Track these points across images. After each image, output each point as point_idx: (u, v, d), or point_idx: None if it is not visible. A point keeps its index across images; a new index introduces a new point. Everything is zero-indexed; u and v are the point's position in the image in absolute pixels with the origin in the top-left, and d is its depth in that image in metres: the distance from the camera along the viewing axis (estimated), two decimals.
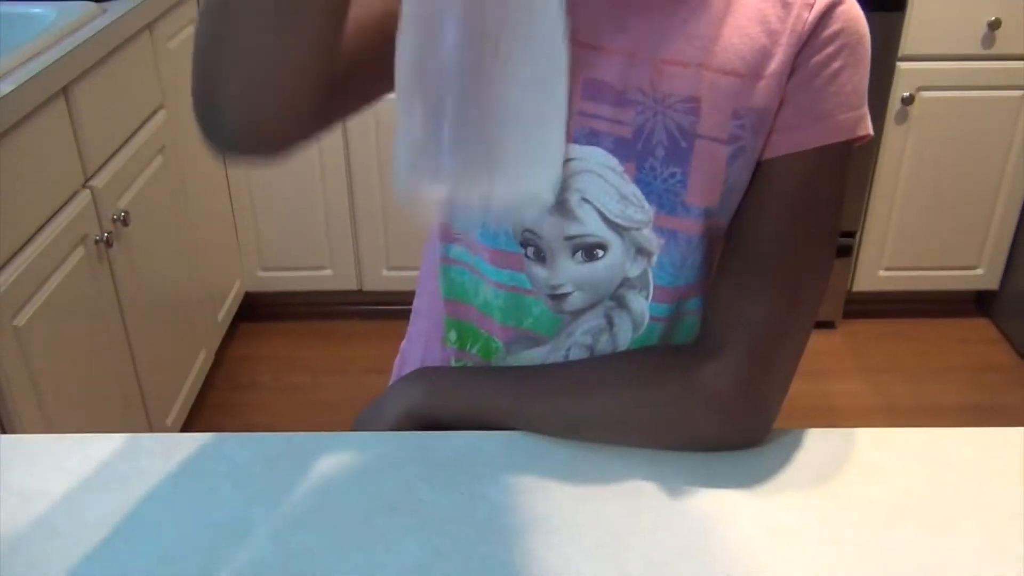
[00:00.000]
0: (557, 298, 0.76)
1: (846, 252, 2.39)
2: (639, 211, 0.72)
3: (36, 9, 1.65)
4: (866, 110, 0.70)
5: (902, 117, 2.24)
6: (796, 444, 0.73)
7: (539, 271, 0.75)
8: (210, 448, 0.70)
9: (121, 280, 1.65)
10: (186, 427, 1.98)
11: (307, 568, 0.60)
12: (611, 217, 0.72)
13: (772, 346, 0.71)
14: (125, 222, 1.64)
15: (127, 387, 1.70)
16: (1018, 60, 2.16)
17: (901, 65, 2.19)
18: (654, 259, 0.74)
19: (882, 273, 2.44)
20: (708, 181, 0.70)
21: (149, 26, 1.79)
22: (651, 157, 0.70)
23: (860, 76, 0.70)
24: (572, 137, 0.71)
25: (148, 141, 1.78)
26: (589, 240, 0.74)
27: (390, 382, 0.88)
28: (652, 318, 0.77)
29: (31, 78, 1.35)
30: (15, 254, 1.34)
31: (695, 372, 0.71)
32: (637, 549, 0.62)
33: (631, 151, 0.71)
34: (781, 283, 0.71)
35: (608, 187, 0.71)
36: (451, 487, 0.67)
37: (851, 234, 2.37)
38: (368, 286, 2.41)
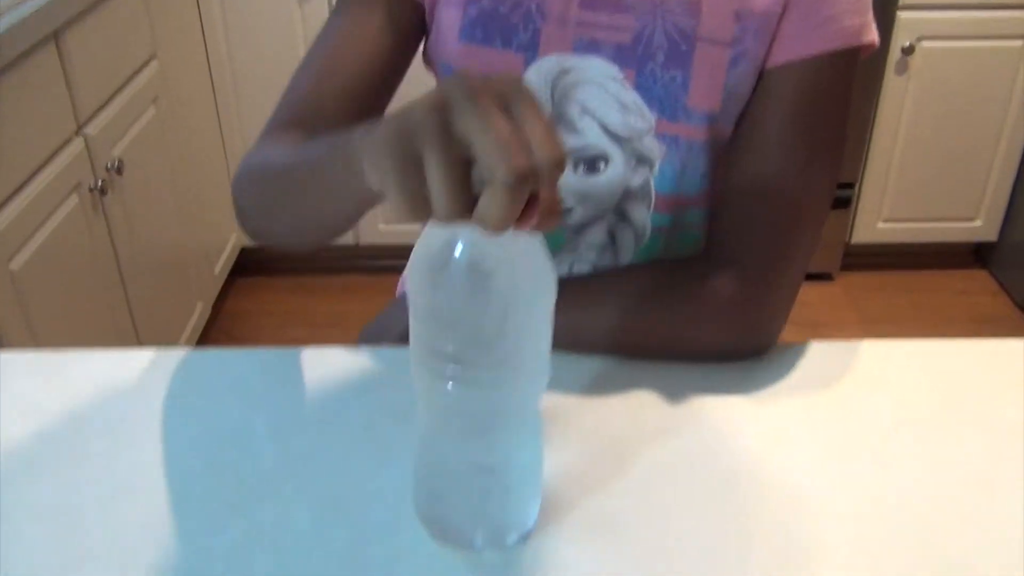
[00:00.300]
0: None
1: (844, 204, 2.38)
2: (640, 119, 0.71)
3: None
4: (871, 18, 0.69)
5: (902, 67, 2.23)
6: (800, 356, 0.72)
7: None
8: (212, 362, 0.70)
9: (116, 229, 1.64)
10: None
11: (309, 472, 0.60)
12: (612, 128, 0.71)
13: (779, 255, 0.70)
14: (119, 171, 1.63)
15: (124, 338, 1.69)
16: (1019, 9, 2.14)
17: (901, 15, 2.16)
18: (656, 167, 0.73)
19: (881, 225, 2.43)
20: (709, 85, 0.69)
21: None
22: (651, 61, 0.69)
23: None
24: (571, 47, 0.70)
25: (141, 91, 1.76)
26: (590, 152, 0.73)
27: (396, 295, 0.88)
28: (654, 229, 0.76)
29: (20, 20, 1.33)
30: (9, 199, 1.32)
31: (704, 282, 0.70)
32: (641, 455, 0.62)
33: (631, 57, 0.70)
34: (786, 194, 0.70)
35: (608, 97, 0.70)
36: None
37: (850, 185, 2.36)
38: (365, 240, 2.40)
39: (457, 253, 0.46)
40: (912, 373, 0.71)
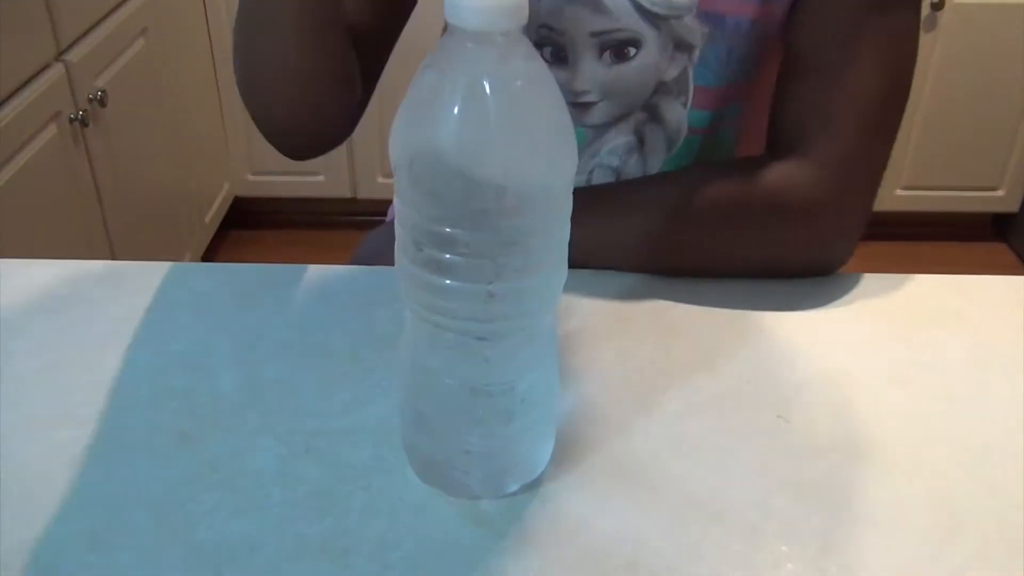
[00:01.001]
0: (579, 107, 0.65)
1: None
2: None
3: None
4: None
5: (931, 24, 2.12)
6: (864, 286, 0.63)
7: (558, 75, 0.64)
8: (169, 277, 0.61)
9: (98, 164, 1.55)
10: None
11: (276, 403, 0.51)
12: (647, 5, 0.61)
13: (863, 149, 0.61)
14: (102, 102, 1.53)
15: None
16: None
17: None
18: (695, 54, 0.63)
19: (899, 192, 2.33)
20: None
21: None
22: None
23: None
24: None
25: (129, 19, 1.66)
26: (620, 35, 0.62)
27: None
28: (689, 129, 0.66)
29: None
30: None
31: (774, 182, 0.60)
32: (671, 391, 0.53)
33: None
34: (863, 85, 0.60)
35: None
36: None
37: None
38: (363, 194, 2.30)
39: (450, 96, 0.37)
40: (990, 309, 0.61)
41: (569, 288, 0.59)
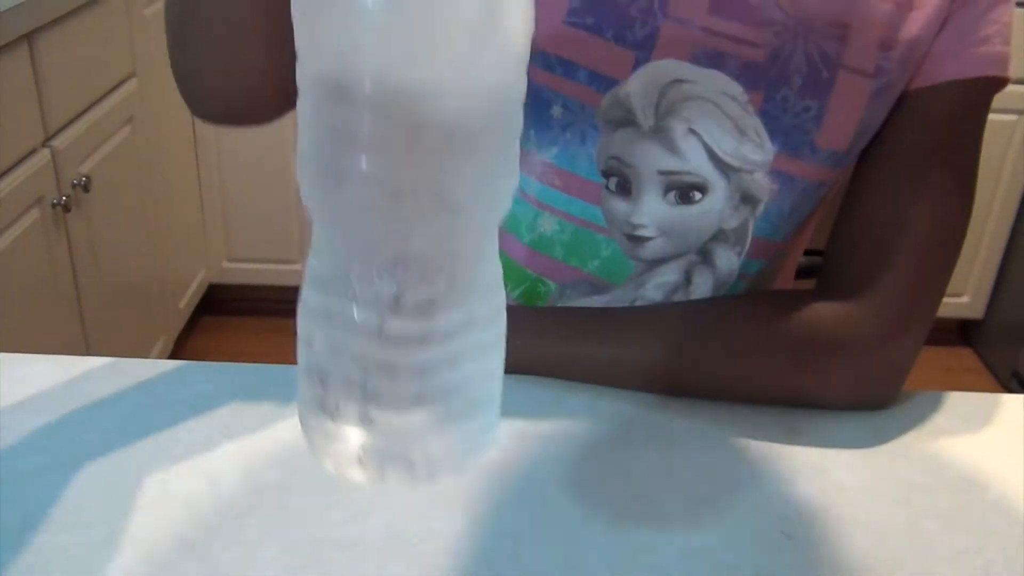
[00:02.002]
0: (635, 240, 0.65)
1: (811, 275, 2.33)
2: (757, 150, 0.62)
3: None
4: (1010, 52, 0.63)
5: None
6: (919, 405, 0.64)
7: (619, 205, 0.65)
8: (170, 377, 0.60)
9: (78, 250, 1.54)
10: None
11: (280, 512, 0.50)
12: (721, 155, 0.62)
13: (917, 290, 0.62)
14: (86, 188, 1.53)
15: None
16: (1013, 84, 2.13)
17: None
18: (759, 208, 0.64)
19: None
20: (844, 120, 0.61)
21: None
22: (785, 87, 0.61)
23: (1011, 11, 0.63)
24: (690, 56, 0.61)
25: (116, 108, 1.68)
26: (688, 179, 0.63)
27: None
28: (739, 274, 0.67)
29: None
30: None
31: (829, 318, 0.62)
32: (669, 502, 0.53)
33: (762, 78, 0.61)
34: (925, 223, 0.62)
35: (724, 118, 0.61)
36: None
37: (818, 252, 2.32)
38: None
39: None
40: (984, 427, 0.63)
41: (565, 405, 0.61)
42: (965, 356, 2.49)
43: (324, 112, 0.34)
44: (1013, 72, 0.64)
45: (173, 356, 2.06)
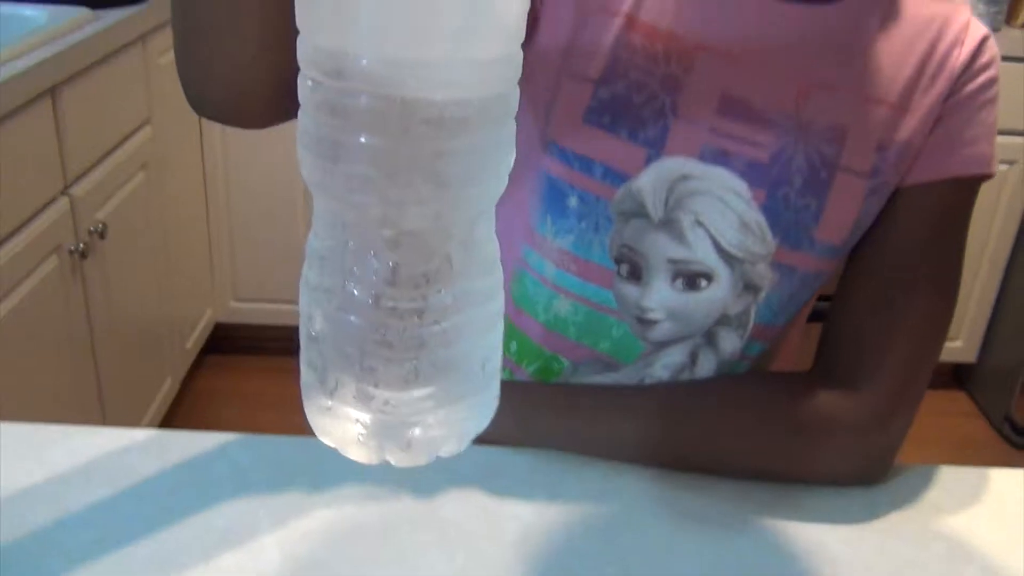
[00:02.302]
0: (644, 323, 0.70)
1: (820, 318, 2.37)
2: (759, 243, 0.66)
3: (28, 11, 1.60)
4: (995, 149, 0.68)
5: None
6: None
7: (630, 290, 0.69)
8: (209, 448, 0.64)
9: (93, 295, 1.57)
10: None
11: None
12: (726, 246, 0.66)
13: (908, 378, 0.67)
14: (102, 235, 1.57)
15: (89, 409, 1.61)
16: (1004, 135, 2.19)
17: None
18: (761, 296, 0.69)
19: None
20: (841, 216, 0.66)
21: (142, 38, 1.74)
22: (786, 185, 0.65)
23: (996, 112, 0.68)
24: (698, 153, 0.65)
25: (131, 155, 1.72)
26: (695, 267, 0.67)
27: None
28: (742, 355, 0.71)
29: (18, 75, 1.30)
30: None
31: (825, 403, 0.66)
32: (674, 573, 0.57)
33: (764, 176, 0.65)
34: (916, 313, 0.67)
35: (729, 213, 0.66)
36: (476, 504, 0.61)
37: (828, 298, 2.36)
38: None
39: None
40: (968, 502, 0.66)
41: (579, 480, 0.64)
42: (959, 400, 2.53)
43: (321, 88, 0.35)
44: (1007, 123, 0.68)
45: (179, 396, 2.09)
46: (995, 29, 2.11)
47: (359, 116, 0.34)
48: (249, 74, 0.52)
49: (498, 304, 0.40)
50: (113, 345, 1.68)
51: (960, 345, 2.43)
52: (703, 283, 0.67)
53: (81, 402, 1.57)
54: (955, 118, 0.66)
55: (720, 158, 0.65)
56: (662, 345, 0.70)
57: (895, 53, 0.65)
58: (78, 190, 1.51)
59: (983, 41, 0.66)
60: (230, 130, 2.11)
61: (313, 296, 0.38)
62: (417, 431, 0.38)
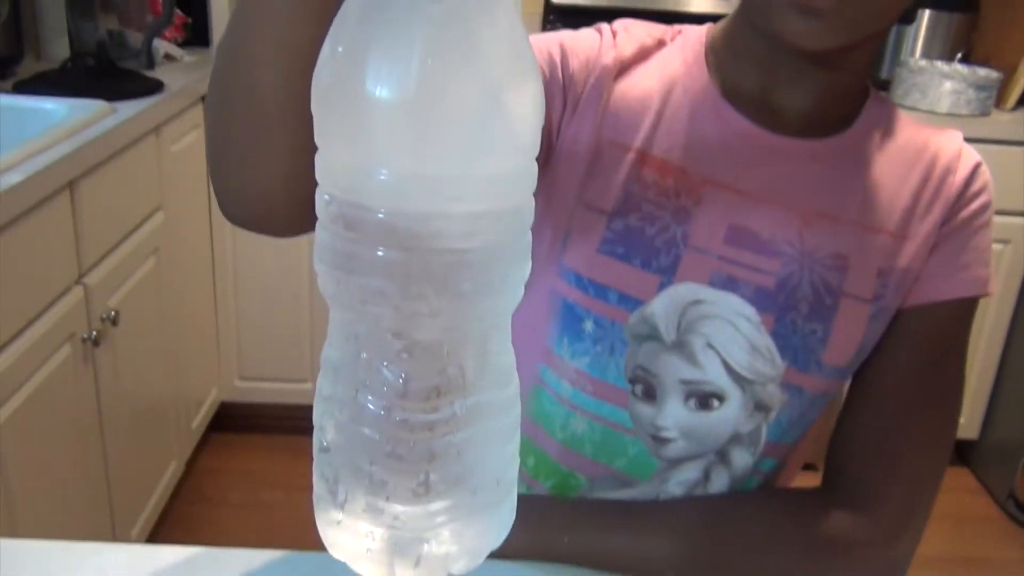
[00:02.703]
0: (659, 441, 0.72)
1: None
2: (769, 365, 0.69)
3: (48, 105, 1.65)
4: (992, 270, 0.71)
5: None
6: None
7: (645, 410, 0.71)
8: (240, 569, 0.65)
9: (103, 381, 1.59)
10: (151, 540, 1.88)
11: None
12: (736, 368, 0.69)
13: (915, 495, 0.69)
14: (114, 322, 1.59)
15: (96, 494, 1.61)
16: (1002, 215, 2.23)
17: None
18: (772, 415, 0.71)
19: None
20: (847, 340, 0.69)
21: (156, 129, 1.79)
22: (793, 311, 0.68)
23: (990, 235, 0.71)
24: (708, 280, 0.68)
25: (144, 242, 1.75)
26: (707, 388, 0.70)
27: None
28: (753, 472, 0.74)
29: (39, 171, 1.33)
30: (2, 348, 1.28)
31: (837, 523, 0.68)
32: None
33: (772, 302, 0.68)
34: (920, 433, 0.69)
35: (739, 336, 0.68)
36: None
37: None
38: None
39: None
40: None
41: None
42: (962, 476, 2.53)
43: (336, 201, 0.36)
44: (1002, 203, 0.71)
45: (184, 475, 2.09)
46: (985, 113, 2.17)
47: (372, 229, 0.35)
48: (276, 188, 0.54)
49: (513, 417, 0.39)
50: (121, 429, 1.69)
51: (962, 422, 2.44)
52: (715, 403, 0.70)
53: (88, 485, 1.58)
54: (951, 243, 0.69)
55: (729, 284, 0.68)
56: (677, 462, 0.72)
57: (892, 182, 0.69)
58: (92, 278, 1.54)
59: (975, 168, 0.70)
60: None
61: (325, 407, 0.38)
62: (428, 547, 0.37)
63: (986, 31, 2.35)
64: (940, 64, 2.24)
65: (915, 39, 2.34)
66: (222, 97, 0.53)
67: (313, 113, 0.36)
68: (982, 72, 2.18)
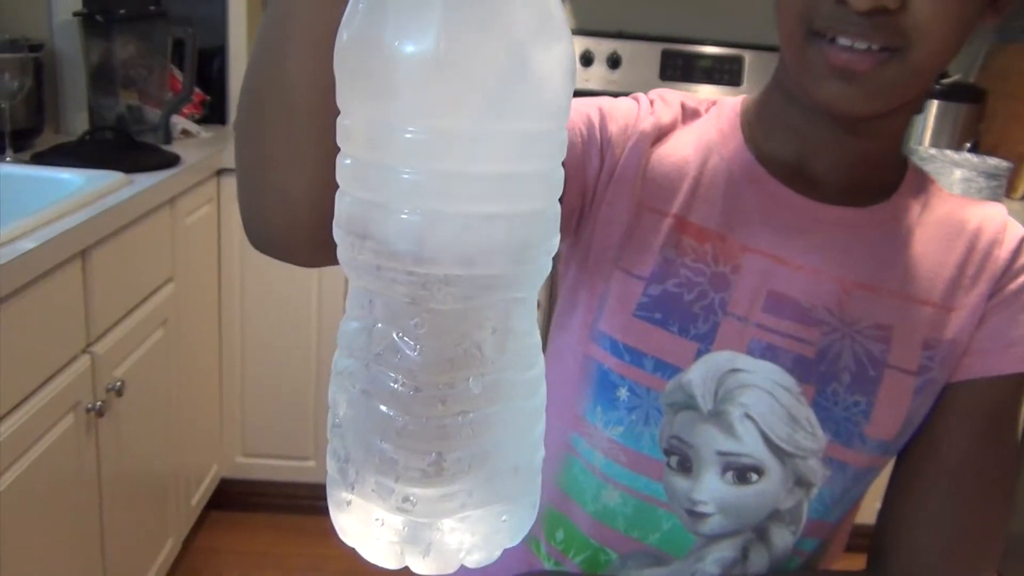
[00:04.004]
0: (694, 516, 0.69)
1: None
2: (810, 438, 0.67)
3: (65, 175, 1.66)
4: None
5: None
6: None
7: (680, 483, 0.68)
8: None
9: (105, 454, 1.56)
10: None
11: None
12: (776, 440, 0.67)
13: None
14: (119, 392, 1.57)
15: (91, 569, 1.57)
16: None
17: None
18: (814, 491, 0.68)
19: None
20: (891, 413, 0.67)
21: (171, 201, 1.79)
22: (835, 382, 0.66)
23: None
24: (746, 348, 0.67)
25: (153, 313, 1.74)
26: (745, 461, 0.67)
27: None
28: (794, 552, 0.70)
29: (52, 238, 1.33)
30: (6, 415, 1.26)
31: None
32: None
33: (812, 372, 0.66)
34: (973, 517, 0.67)
35: (778, 407, 0.66)
36: None
37: None
38: None
39: None
40: None
41: None
42: None
43: (357, 164, 0.34)
44: None
45: (181, 553, 2.04)
46: (996, 201, 2.18)
47: (391, 190, 0.33)
48: (302, 199, 0.53)
49: (536, 402, 0.37)
50: (119, 503, 1.65)
51: None
52: (753, 476, 0.67)
53: (83, 559, 1.53)
54: (1000, 317, 0.67)
55: (768, 353, 0.66)
56: (713, 540, 0.69)
57: (935, 253, 0.68)
58: (99, 347, 1.52)
59: (1022, 241, 0.69)
60: (248, 288, 2.15)
61: (339, 381, 0.36)
62: (440, 535, 0.35)
63: (993, 122, 2.38)
64: (950, 152, 2.26)
65: (923, 129, 2.37)
66: (253, 103, 0.53)
67: (336, 74, 0.35)
68: (992, 161, 2.19)
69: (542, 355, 0.38)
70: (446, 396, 0.34)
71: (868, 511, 0.75)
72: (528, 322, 0.37)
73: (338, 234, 0.37)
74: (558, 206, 0.37)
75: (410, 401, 0.34)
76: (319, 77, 0.46)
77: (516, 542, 0.37)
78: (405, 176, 0.33)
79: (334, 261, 0.54)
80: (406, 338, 0.34)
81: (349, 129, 0.36)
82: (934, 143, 2.37)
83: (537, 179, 0.35)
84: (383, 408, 0.35)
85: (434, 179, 0.33)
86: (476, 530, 0.36)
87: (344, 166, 0.36)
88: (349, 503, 0.36)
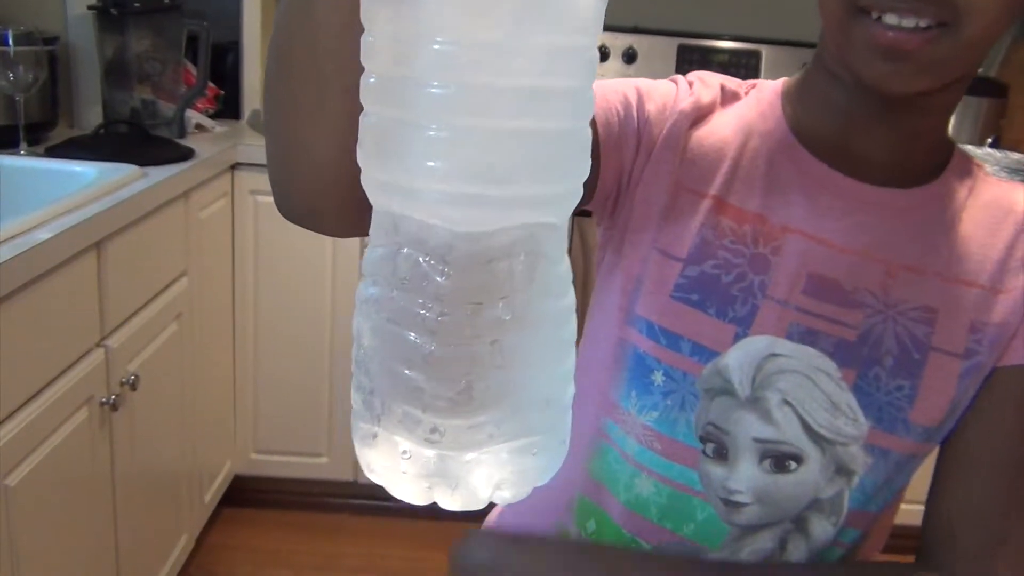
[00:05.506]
0: (730, 506, 0.67)
1: None
2: (851, 424, 0.65)
3: (79, 168, 1.65)
4: None
5: None
6: None
7: (716, 471, 0.66)
8: None
9: (118, 448, 1.55)
10: None
11: None
12: (815, 427, 0.64)
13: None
14: (133, 386, 1.56)
15: (104, 565, 1.55)
16: None
17: None
18: (855, 480, 0.66)
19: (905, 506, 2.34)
20: (936, 398, 0.65)
21: (185, 194, 1.78)
22: (877, 366, 0.64)
23: None
24: (786, 332, 0.65)
25: (167, 306, 1.73)
26: (783, 448, 0.65)
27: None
28: (834, 543, 0.68)
29: (67, 229, 1.32)
30: (19, 408, 1.25)
31: None
32: None
33: (854, 356, 0.64)
34: (1020, 507, 0.64)
35: (818, 392, 0.64)
36: None
37: None
38: (364, 478, 2.27)
39: None
40: None
41: None
42: None
43: (382, 80, 0.33)
44: None
45: (195, 552, 2.03)
46: None
47: (418, 104, 0.32)
48: (330, 160, 0.52)
49: (567, 333, 0.36)
50: (133, 499, 1.64)
51: None
52: (792, 464, 0.65)
53: (96, 554, 1.52)
54: None
55: (807, 337, 0.64)
56: (749, 530, 0.67)
57: (982, 235, 0.66)
58: (113, 341, 1.51)
59: None
60: (261, 283, 2.13)
61: (363, 310, 0.35)
62: (468, 468, 0.34)
63: (1015, 116, 2.35)
64: (972, 148, 2.23)
65: None
66: (282, 64, 0.51)
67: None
68: (1015, 156, 2.17)
69: (572, 287, 0.37)
70: (475, 322, 0.33)
71: (907, 514, 0.73)
72: (559, 250, 0.35)
73: (361, 155, 0.35)
74: (588, 131, 0.36)
75: (438, 327, 0.33)
76: (347, 25, 0.45)
77: (545, 481, 0.36)
78: (432, 91, 0.32)
79: (359, 230, 0.53)
80: (433, 262, 0.33)
81: (373, 45, 0.34)
82: (955, 138, 2.34)
83: (566, 96, 0.34)
84: (410, 336, 0.33)
85: (463, 93, 0.32)
86: (506, 465, 0.35)
87: (369, 85, 0.35)
88: (375, 436, 0.35)
